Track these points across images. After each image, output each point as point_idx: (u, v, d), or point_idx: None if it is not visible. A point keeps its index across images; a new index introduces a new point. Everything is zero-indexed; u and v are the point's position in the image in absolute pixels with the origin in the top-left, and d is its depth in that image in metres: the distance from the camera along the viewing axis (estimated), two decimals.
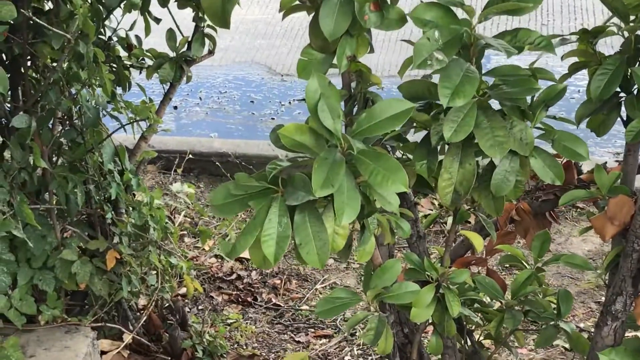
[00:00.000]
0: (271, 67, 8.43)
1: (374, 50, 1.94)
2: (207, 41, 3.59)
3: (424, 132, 2.03)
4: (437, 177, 1.94)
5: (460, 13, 1.83)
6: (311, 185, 1.60)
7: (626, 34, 2.12)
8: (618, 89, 2.13)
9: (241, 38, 9.15)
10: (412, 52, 1.76)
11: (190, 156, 5.62)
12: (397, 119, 1.70)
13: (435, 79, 1.84)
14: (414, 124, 2.07)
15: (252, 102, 7.72)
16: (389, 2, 1.85)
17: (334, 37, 1.79)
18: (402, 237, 2.18)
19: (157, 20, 3.47)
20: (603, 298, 4.23)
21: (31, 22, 2.82)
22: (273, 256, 1.70)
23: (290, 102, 7.62)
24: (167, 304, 3.83)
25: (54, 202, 3.18)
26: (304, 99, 1.67)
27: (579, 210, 5.15)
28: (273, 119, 7.29)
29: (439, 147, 1.98)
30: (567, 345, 3.85)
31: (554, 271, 4.51)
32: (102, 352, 3.36)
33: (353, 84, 2.06)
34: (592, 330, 2.50)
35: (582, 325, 3.96)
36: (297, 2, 1.91)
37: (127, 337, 3.44)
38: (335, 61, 1.85)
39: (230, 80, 8.25)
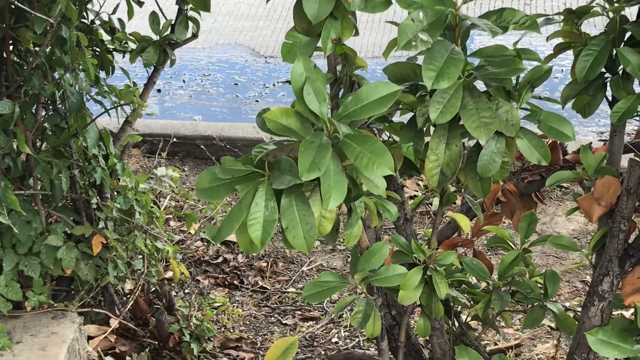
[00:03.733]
0: (255, 49, 8.40)
1: (358, 33, 1.93)
2: (190, 24, 3.57)
3: (410, 114, 2.02)
4: (424, 159, 1.94)
5: None
6: (297, 169, 1.59)
7: (611, 14, 2.12)
8: (603, 70, 2.13)
9: (224, 20, 9.11)
10: (397, 34, 1.76)
11: (175, 139, 5.61)
12: (383, 102, 1.69)
13: (421, 60, 1.84)
14: (400, 106, 2.06)
15: (236, 84, 7.69)
16: None
17: (318, 20, 1.78)
18: (389, 220, 2.18)
19: (140, 4, 3.45)
20: (588, 277, 4.25)
21: (13, 6, 2.80)
22: (259, 240, 1.70)
23: (274, 84, 7.57)
24: (153, 289, 3.82)
25: (39, 187, 3.16)
26: (288, 81, 1.67)
27: (563, 189, 5.17)
28: (257, 101, 7.26)
29: (425, 129, 1.97)
30: (553, 325, 3.87)
31: (539, 250, 4.53)
32: (89, 337, 3.35)
33: (339, 67, 2.05)
34: (578, 309, 2.51)
35: (567, 304, 3.98)
36: None
37: (114, 322, 3.43)
38: (320, 44, 1.84)
39: (213, 63, 8.21)
